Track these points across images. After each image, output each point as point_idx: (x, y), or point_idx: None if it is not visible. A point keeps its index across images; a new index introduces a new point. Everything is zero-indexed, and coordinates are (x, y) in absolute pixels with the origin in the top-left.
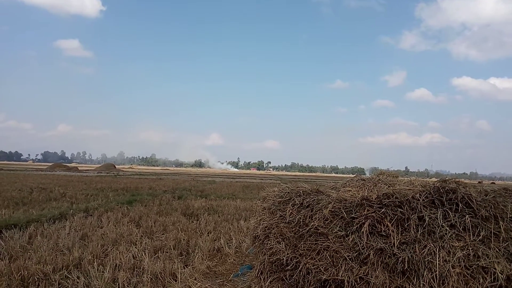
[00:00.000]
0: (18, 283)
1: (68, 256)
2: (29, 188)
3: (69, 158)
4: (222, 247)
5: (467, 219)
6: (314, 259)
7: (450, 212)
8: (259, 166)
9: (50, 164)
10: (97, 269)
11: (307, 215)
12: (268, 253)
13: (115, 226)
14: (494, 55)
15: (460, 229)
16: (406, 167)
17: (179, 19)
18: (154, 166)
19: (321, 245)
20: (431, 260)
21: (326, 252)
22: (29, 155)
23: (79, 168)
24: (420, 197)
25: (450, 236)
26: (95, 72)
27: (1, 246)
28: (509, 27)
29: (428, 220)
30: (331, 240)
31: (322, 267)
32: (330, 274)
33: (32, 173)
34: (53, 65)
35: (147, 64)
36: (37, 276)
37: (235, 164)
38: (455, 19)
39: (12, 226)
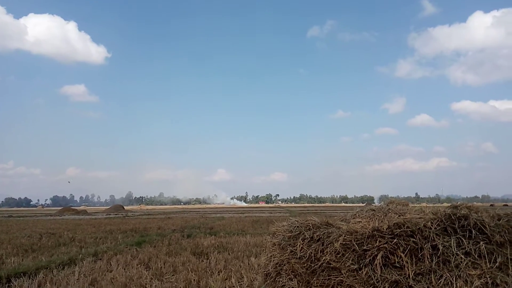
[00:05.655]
0: None
1: None
2: (38, 234)
3: (78, 202)
4: (233, 286)
5: (482, 245)
6: None
7: (463, 239)
8: (268, 199)
9: (59, 208)
10: None
11: (318, 249)
12: None
13: (124, 269)
14: (491, 78)
15: (476, 257)
16: (416, 193)
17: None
18: (162, 205)
19: (335, 279)
20: None
21: (340, 287)
22: (38, 200)
23: (88, 211)
24: (432, 225)
25: (466, 264)
26: (101, 116)
27: None
28: (503, 50)
29: (442, 249)
30: (344, 275)
31: None
32: None
33: (41, 219)
34: (61, 111)
35: (151, 105)
36: None
37: (244, 199)
38: (448, 47)
39: (22, 274)
